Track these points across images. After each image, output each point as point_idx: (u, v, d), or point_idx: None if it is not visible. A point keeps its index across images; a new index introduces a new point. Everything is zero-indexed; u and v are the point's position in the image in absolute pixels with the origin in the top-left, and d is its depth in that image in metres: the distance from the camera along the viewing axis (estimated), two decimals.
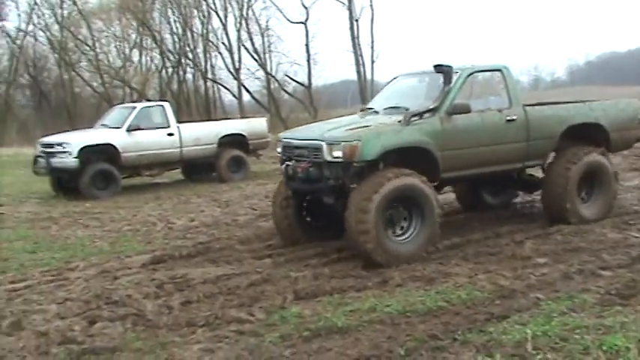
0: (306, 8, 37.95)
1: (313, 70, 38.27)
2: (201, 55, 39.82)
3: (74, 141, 13.37)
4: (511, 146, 7.32)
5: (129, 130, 13.73)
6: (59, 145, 13.33)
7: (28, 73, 39.09)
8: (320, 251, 7.05)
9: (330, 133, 6.71)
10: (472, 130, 6.99)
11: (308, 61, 38.29)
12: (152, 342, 4.69)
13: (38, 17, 38.39)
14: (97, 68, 38.02)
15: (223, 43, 39.14)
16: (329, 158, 6.47)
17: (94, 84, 38.82)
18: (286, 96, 40.26)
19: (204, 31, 39.25)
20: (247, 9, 38.31)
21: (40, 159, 13.47)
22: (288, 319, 5.02)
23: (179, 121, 15.25)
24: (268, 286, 5.91)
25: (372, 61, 38.67)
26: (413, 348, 4.27)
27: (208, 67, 40.23)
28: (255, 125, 16.24)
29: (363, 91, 36.84)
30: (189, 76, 41.22)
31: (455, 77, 7.03)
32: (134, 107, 14.77)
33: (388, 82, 8.56)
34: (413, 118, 6.61)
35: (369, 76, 38.68)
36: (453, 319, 4.78)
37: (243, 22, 38.35)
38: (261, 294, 5.64)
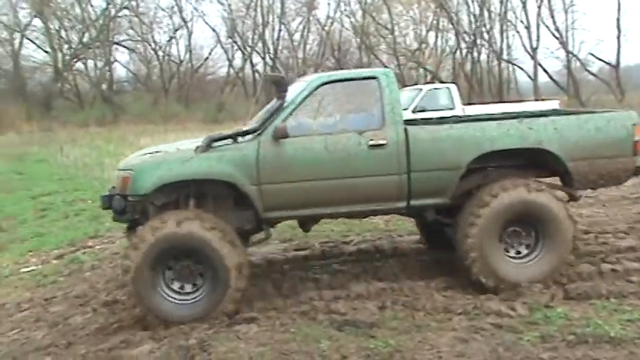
0: None
1: (623, 48, 34.69)
2: (497, 35, 38.91)
3: None
4: (375, 180, 5.30)
5: (415, 111, 14.07)
6: None
7: (333, 57, 42.43)
8: (603, 249, 6.39)
9: (135, 157, 5.66)
10: (308, 158, 5.24)
11: (618, 37, 34.76)
12: (408, 323, 4.77)
13: (345, 5, 41.39)
14: (394, 51, 39.61)
15: (522, 22, 37.64)
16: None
17: (391, 66, 40.49)
18: (589, 77, 37.18)
19: (503, 9, 38.17)
20: None
21: None
22: (553, 320, 4.67)
23: (467, 103, 15.16)
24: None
25: None
26: None
27: (504, 47, 39.12)
28: (544, 108, 15.36)
29: None
30: (483, 56, 40.59)
31: (298, 89, 5.53)
32: (421, 89, 15.12)
33: None
34: (217, 143, 5.27)
35: None
36: None
37: None
38: (526, 289, 5.28)
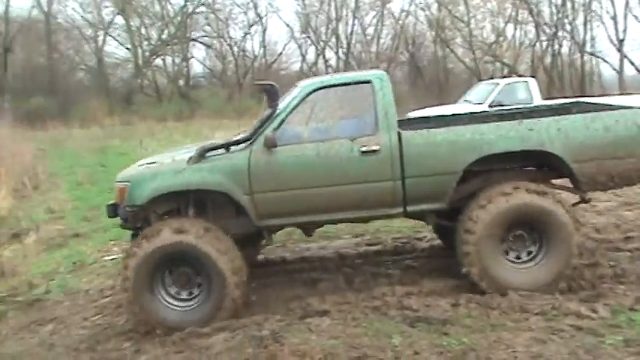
0: None
1: None
2: (580, 27, 37.43)
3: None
4: (369, 186, 5.18)
5: (491, 106, 13.70)
6: None
7: (407, 51, 42.01)
8: None
9: (133, 168, 5.73)
10: (300, 166, 5.18)
11: None
12: (482, 322, 4.66)
13: None
14: (470, 44, 38.79)
15: (607, 12, 36.08)
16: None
17: (466, 60, 39.73)
18: None
19: (587, 0, 36.68)
20: None
21: None
22: (638, 323, 4.46)
23: (546, 98, 14.70)
24: (619, 282, 5.33)
25: None
26: None
27: (587, 38, 37.61)
28: (630, 103, 14.68)
29: None
30: (564, 49, 39.15)
31: (291, 96, 5.42)
32: (497, 83, 14.75)
33: None
34: (210, 153, 5.26)
35: None
36: None
37: None
38: (609, 290, 5.11)
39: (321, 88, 5.39)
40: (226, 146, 5.31)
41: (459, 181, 5.22)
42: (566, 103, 6.87)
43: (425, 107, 16.30)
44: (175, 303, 5.18)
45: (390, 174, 5.18)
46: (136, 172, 5.47)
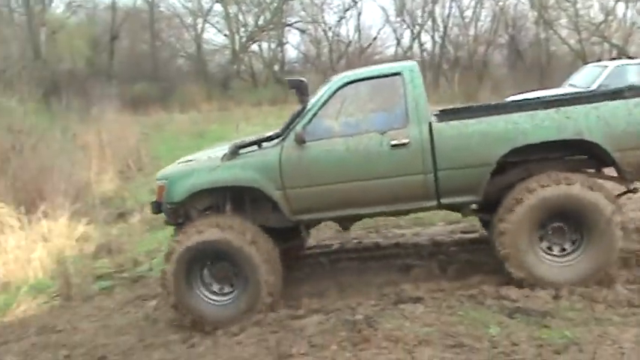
0: None
1: None
2: None
3: None
4: (400, 180, 5.07)
5: None
6: None
7: (506, 33, 40.62)
8: None
9: (171, 166, 5.87)
10: (330, 161, 5.14)
11: None
12: (586, 315, 4.47)
13: None
14: (576, 25, 36.96)
15: None
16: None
17: (571, 41, 37.93)
18: None
19: None
20: None
21: None
22: None
23: None
24: None
25: None
26: None
27: None
28: None
29: None
30: None
31: (321, 91, 5.40)
32: (606, 66, 13.93)
33: None
34: (243, 150, 5.30)
35: None
36: None
37: None
38: None
39: (351, 82, 5.36)
40: (258, 143, 5.39)
41: (495, 172, 5.06)
42: (620, 88, 6.41)
43: (525, 92, 15.68)
44: (213, 298, 5.30)
45: (421, 167, 5.09)
46: (173, 170, 5.68)
